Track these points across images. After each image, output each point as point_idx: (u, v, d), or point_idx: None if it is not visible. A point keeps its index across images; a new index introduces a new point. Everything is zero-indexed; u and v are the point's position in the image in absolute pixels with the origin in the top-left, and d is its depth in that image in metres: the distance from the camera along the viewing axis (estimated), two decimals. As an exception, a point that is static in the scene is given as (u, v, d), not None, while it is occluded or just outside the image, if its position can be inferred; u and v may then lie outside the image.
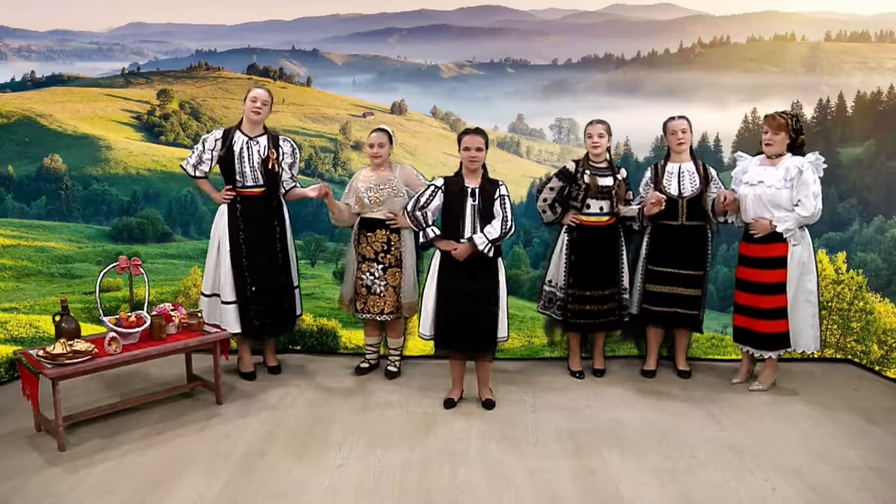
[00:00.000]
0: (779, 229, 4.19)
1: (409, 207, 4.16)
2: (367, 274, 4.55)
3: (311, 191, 4.53)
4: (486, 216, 4.00)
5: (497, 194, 4.02)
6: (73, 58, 9.21)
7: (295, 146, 4.70)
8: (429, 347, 4.86)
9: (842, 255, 5.32)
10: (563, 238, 4.62)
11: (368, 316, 4.62)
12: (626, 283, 4.68)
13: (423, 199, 4.10)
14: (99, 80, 8.94)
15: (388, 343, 4.81)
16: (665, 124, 4.55)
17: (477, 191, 4.02)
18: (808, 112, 7.20)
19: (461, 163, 4.09)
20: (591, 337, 4.86)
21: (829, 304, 5.18)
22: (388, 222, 4.49)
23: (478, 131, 4.05)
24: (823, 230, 5.86)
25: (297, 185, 4.69)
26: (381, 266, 4.53)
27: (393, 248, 4.51)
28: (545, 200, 4.58)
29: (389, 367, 4.79)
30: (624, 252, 4.65)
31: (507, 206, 4.02)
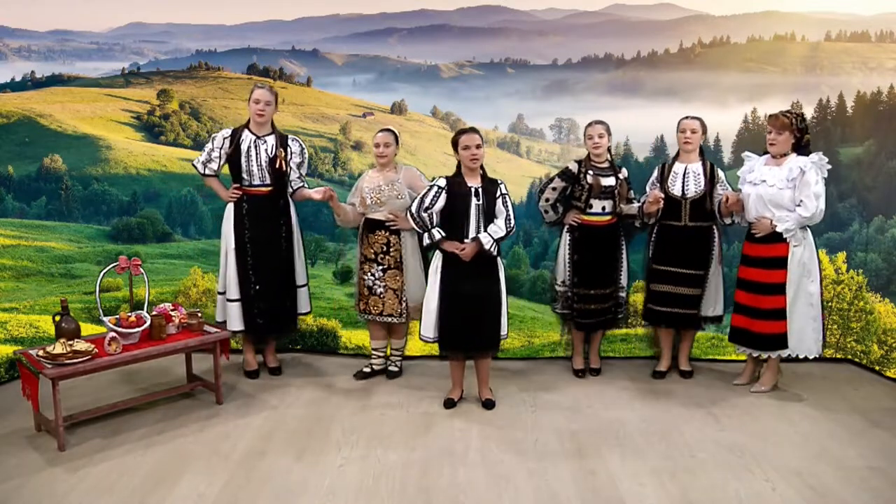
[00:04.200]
0: (778, 229, 4.19)
1: (412, 209, 4.11)
2: (369, 274, 4.55)
3: (316, 193, 4.53)
4: (489, 215, 4.03)
5: (498, 193, 4.07)
6: (73, 58, 9.20)
7: (303, 146, 4.70)
8: (428, 347, 4.86)
9: (842, 255, 5.31)
10: (566, 237, 4.64)
11: (370, 317, 4.62)
12: (623, 281, 4.70)
13: (427, 200, 4.05)
14: (99, 80, 8.92)
15: (392, 343, 4.81)
16: (679, 122, 4.56)
17: (480, 190, 4.03)
18: (808, 112, 7.19)
19: (459, 163, 4.10)
20: (590, 336, 4.87)
21: (829, 304, 5.18)
22: (388, 223, 4.48)
23: (473, 130, 4.07)
24: (823, 230, 5.86)
25: (305, 185, 4.70)
26: (381, 267, 4.52)
27: (392, 250, 4.50)
28: (547, 200, 4.60)
29: (391, 368, 4.79)
30: (624, 251, 4.68)
31: (509, 204, 4.09)
